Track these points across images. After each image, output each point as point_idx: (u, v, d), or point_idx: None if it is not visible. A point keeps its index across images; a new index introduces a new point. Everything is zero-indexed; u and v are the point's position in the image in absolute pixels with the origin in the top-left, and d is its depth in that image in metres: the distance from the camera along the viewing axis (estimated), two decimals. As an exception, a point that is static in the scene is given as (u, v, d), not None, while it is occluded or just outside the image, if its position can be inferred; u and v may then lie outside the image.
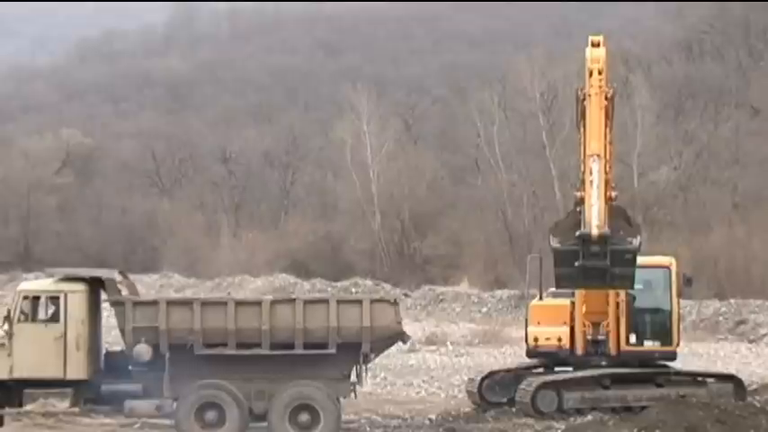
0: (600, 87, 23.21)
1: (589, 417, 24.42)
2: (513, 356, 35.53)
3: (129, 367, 21.66)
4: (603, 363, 26.01)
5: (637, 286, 25.55)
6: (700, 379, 26.76)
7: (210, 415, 21.25)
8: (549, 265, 25.77)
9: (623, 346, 25.99)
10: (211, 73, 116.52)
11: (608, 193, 23.23)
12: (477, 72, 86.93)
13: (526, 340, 27.00)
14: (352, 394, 22.15)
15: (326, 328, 21.41)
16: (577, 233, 22.25)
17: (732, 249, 58.00)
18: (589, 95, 23.30)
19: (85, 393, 21.42)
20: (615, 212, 23.15)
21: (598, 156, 22.63)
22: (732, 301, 51.17)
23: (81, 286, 21.54)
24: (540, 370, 27.01)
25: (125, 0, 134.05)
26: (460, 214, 74.03)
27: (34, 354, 21.07)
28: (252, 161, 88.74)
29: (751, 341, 46.17)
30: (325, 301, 21.97)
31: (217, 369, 21.32)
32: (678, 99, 75.88)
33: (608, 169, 23.58)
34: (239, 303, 21.78)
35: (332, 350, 21.45)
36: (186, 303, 21.87)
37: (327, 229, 77.83)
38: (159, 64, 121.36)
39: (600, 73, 23.27)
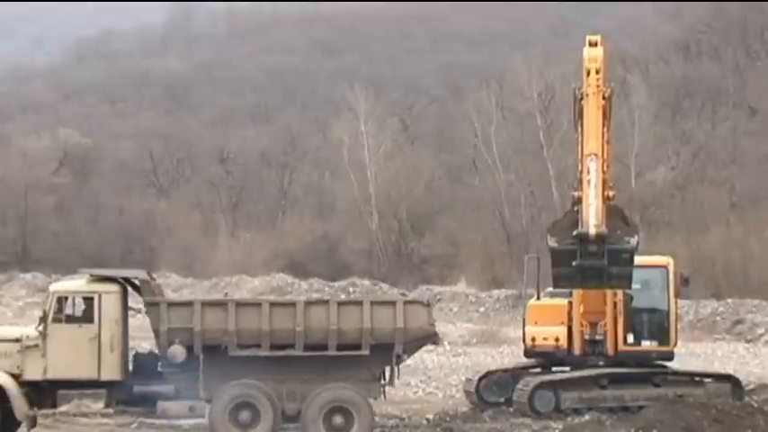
0: (597, 87, 23.19)
1: (586, 417, 24.43)
2: (511, 356, 35.53)
3: (159, 368, 21.62)
4: (601, 363, 26.03)
5: (634, 286, 25.61)
6: (697, 379, 26.77)
7: (245, 415, 21.16)
8: (546, 264, 25.90)
9: (621, 346, 26.00)
10: (209, 73, 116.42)
11: (606, 193, 23.24)
12: (475, 72, 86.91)
13: (524, 340, 27.02)
14: (382, 395, 22.16)
15: (360, 329, 21.36)
16: (575, 232, 22.24)
17: (729, 249, 58.03)
18: (586, 95, 23.27)
19: (118, 394, 21.31)
20: (612, 212, 23.15)
21: (596, 155, 22.60)
22: (729, 300, 51.20)
23: (115, 287, 21.42)
24: (538, 370, 27.03)
25: (123, 0, 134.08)
26: (458, 214, 74.02)
27: (68, 354, 20.89)
28: (249, 161, 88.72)
29: (748, 341, 46.21)
30: (359, 303, 21.93)
31: (249, 370, 21.25)
32: (675, 99, 75.99)
33: (605, 168, 23.57)
34: (273, 304, 21.72)
35: (365, 351, 21.42)
36: (221, 304, 21.73)
37: (325, 228, 77.84)
38: (157, 64, 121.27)
39: (597, 72, 23.24)
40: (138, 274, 22.30)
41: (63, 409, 21.14)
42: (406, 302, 22.04)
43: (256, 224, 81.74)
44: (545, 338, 26.46)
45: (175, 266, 71.90)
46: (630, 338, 26.02)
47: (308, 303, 21.82)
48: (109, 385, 21.19)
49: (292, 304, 21.79)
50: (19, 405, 20.82)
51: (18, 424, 21.43)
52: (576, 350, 26.31)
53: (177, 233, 79.17)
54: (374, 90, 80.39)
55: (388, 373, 22.06)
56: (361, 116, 76.50)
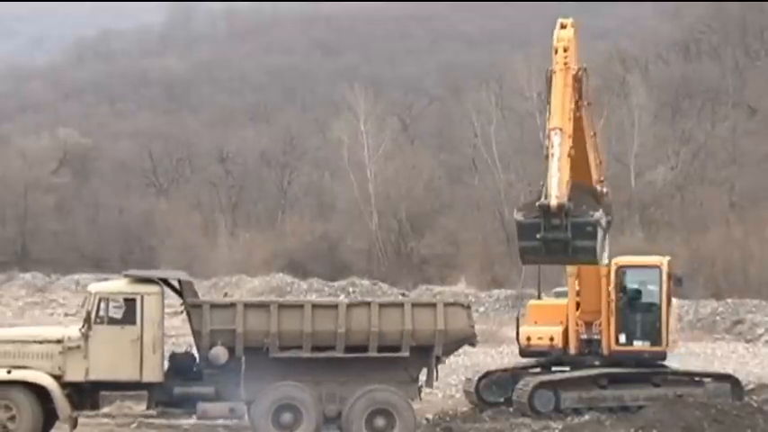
0: (565, 64, 23.46)
1: (586, 416, 24.45)
2: (511, 356, 35.49)
3: (194, 369, 21.59)
4: (597, 362, 26.09)
5: (630, 286, 25.72)
6: (697, 379, 26.80)
7: (287, 417, 21.13)
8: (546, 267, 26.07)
9: (613, 346, 26.05)
10: (208, 73, 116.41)
11: (601, 189, 23.68)
12: (475, 72, 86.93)
13: (517, 339, 27.07)
14: (418, 397, 22.21)
15: (401, 331, 21.37)
16: (537, 203, 22.40)
17: (729, 249, 58.03)
18: (554, 72, 23.50)
19: (158, 396, 21.22)
20: (582, 189, 23.27)
21: (560, 129, 22.69)
22: (729, 300, 51.17)
23: (156, 288, 21.31)
24: (537, 370, 27.05)
25: (122, 0, 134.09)
26: (457, 214, 74.01)
27: (110, 356, 20.81)
28: (249, 161, 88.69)
29: (748, 341, 46.21)
30: (400, 305, 21.96)
31: (289, 372, 21.24)
32: (675, 99, 75.96)
33: (569, 146, 23.69)
34: (316, 306, 21.72)
35: (405, 353, 21.44)
36: (263, 306, 21.67)
37: (324, 228, 77.80)
38: (156, 64, 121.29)
39: (565, 51, 23.59)
40: (179, 276, 22.30)
41: (105, 410, 21.08)
42: (446, 305, 22.05)
43: (256, 224, 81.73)
44: (540, 338, 26.59)
45: (175, 266, 71.49)
46: (623, 338, 26.05)
47: (350, 305, 21.78)
48: (150, 387, 21.09)
49: (334, 306, 21.74)
50: (62, 406, 20.76)
51: (52, 425, 21.40)
52: (573, 349, 26.38)
53: (177, 233, 79.14)
54: (374, 90, 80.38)
55: (423, 374, 22.07)
56: (360, 116, 76.48)
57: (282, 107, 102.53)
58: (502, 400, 26.58)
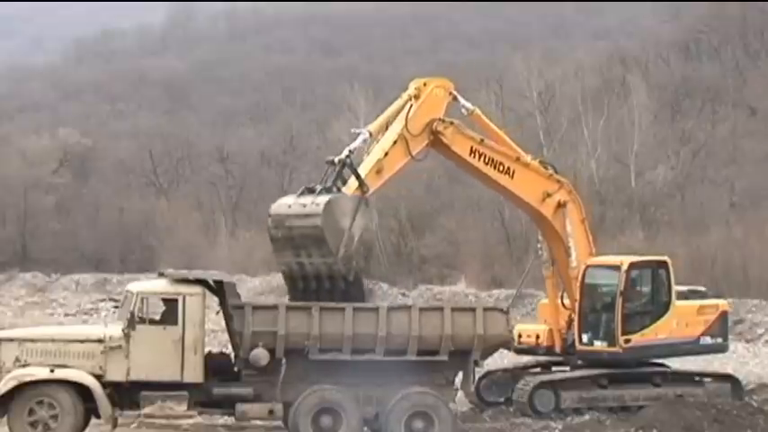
0: (410, 96, 25.96)
1: (586, 416, 24.47)
2: (510, 356, 35.53)
3: (234, 370, 21.75)
4: (579, 362, 26.25)
5: (592, 286, 25.80)
6: (697, 378, 26.82)
7: (326, 420, 21.23)
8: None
9: (578, 345, 26.16)
10: (209, 72, 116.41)
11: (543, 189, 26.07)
12: (475, 72, 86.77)
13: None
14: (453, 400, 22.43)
15: (440, 335, 21.57)
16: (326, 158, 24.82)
17: (729, 249, 57.92)
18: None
19: (198, 396, 21.33)
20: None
21: (370, 133, 25.43)
22: (729, 300, 50.98)
23: (198, 289, 21.41)
24: (538, 370, 27.12)
25: (122, 0, 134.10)
26: (458, 214, 73.88)
27: (152, 356, 20.92)
28: (249, 160, 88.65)
29: (748, 341, 46.16)
30: (440, 309, 22.12)
31: (327, 374, 21.39)
32: (675, 99, 75.94)
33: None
34: (357, 309, 21.83)
35: (443, 357, 21.64)
36: (305, 309, 21.79)
37: (325, 228, 77.66)
38: (156, 63, 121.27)
39: (416, 88, 26.02)
40: (220, 276, 22.50)
41: (147, 410, 21.09)
42: (485, 309, 22.30)
43: (256, 224, 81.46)
44: (528, 336, 26.90)
45: (175, 266, 70.89)
46: (585, 338, 26.14)
47: (391, 309, 22.02)
48: (190, 387, 21.16)
49: (375, 309, 21.94)
50: (104, 406, 20.89)
51: (87, 424, 21.48)
52: (558, 348, 26.59)
53: (177, 233, 79.07)
54: (374, 90, 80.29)
55: (459, 377, 22.29)
56: (360, 116, 76.31)
57: (282, 107, 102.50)
58: (502, 399, 26.61)
